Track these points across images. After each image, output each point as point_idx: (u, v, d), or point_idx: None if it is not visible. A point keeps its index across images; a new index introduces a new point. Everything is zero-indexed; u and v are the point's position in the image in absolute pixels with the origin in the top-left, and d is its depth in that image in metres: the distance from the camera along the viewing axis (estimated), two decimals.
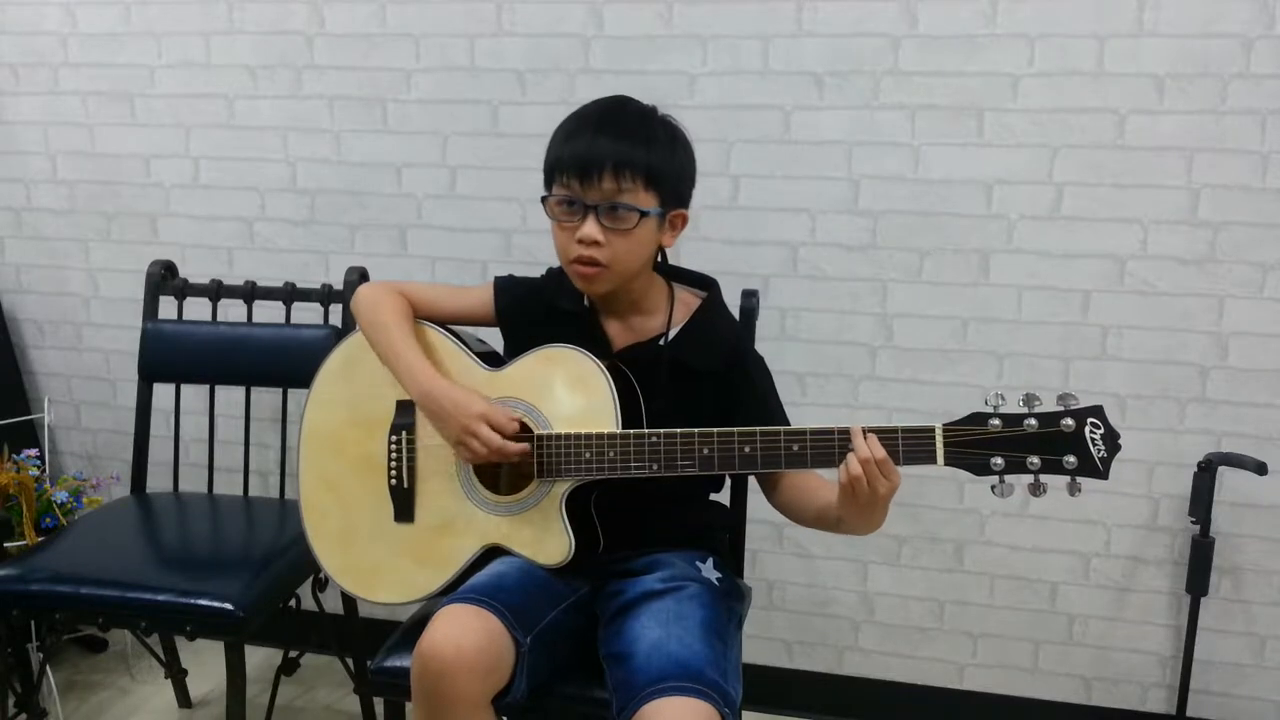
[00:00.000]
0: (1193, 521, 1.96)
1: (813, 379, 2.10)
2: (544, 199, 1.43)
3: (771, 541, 2.18)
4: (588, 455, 1.38)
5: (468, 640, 1.27)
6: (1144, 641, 2.08)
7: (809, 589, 2.20)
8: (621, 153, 1.36)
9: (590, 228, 1.37)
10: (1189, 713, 2.04)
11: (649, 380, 1.43)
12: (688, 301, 1.51)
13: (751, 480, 1.65)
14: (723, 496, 1.65)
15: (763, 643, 2.24)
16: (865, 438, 1.26)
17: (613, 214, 1.37)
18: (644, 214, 1.37)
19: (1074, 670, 2.12)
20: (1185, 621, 2.00)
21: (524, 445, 1.38)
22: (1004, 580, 2.11)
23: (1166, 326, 1.94)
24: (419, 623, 1.51)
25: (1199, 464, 1.92)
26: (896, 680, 2.20)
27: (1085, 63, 1.88)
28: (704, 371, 1.46)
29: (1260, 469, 1.84)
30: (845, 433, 1.29)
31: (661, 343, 1.46)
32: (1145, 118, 1.88)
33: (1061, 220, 1.95)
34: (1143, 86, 1.87)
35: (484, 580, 1.38)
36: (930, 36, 1.93)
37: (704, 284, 1.54)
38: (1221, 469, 1.92)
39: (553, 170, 1.42)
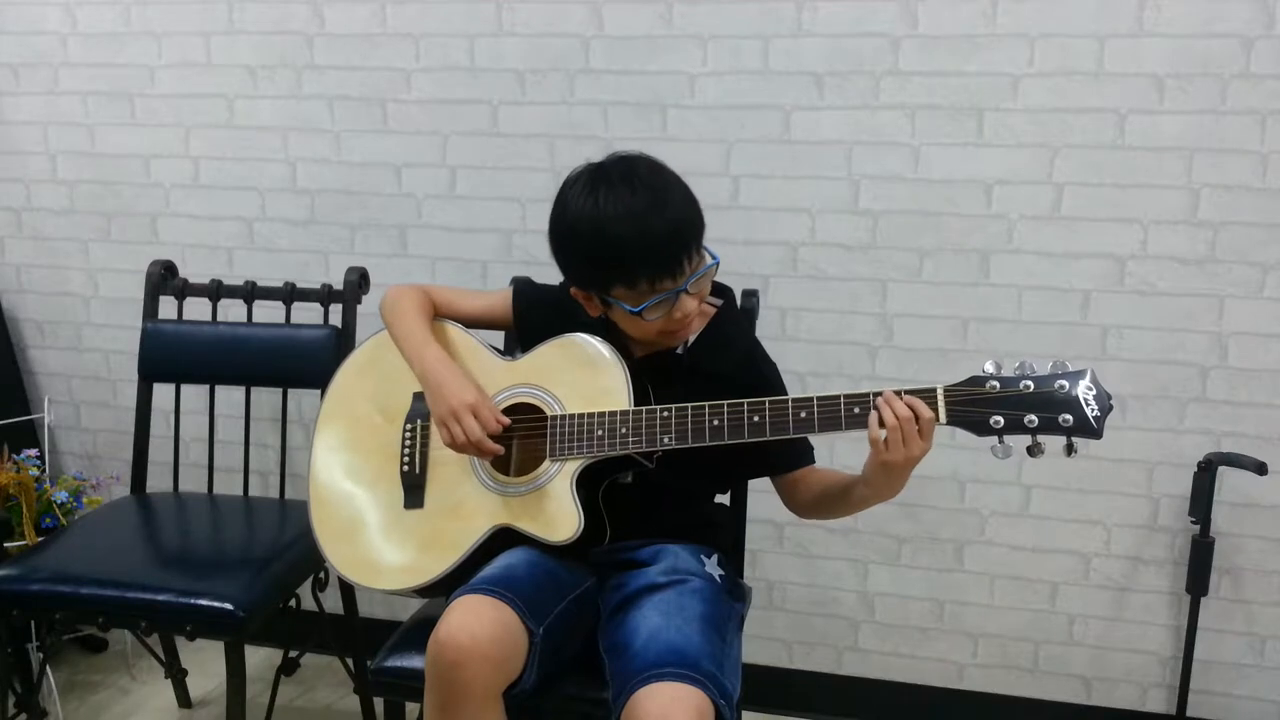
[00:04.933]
0: (1193, 521, 1.96)
1: (813, 379, 2.10)
2: (636, 310, 1.38)
3: (771, 541, 2.18)
4: (600, 432, 1.40)
5: (483, 630, 1.27)
6: (1144, 641, 2.08)
7: (809, 589, 2.20)
8: (681, 234, 1.36)
9: (689, 304, 1.40)
10: (1189, 713, 2.04)
11: (666, 387, 1.45)
12: (704, 310, 1.52)
13: (752, 481, 1.65)
14: (723, 496, 1.66)
15: (763, 643, 2.23)
16: (901, 396, 1.29)
17: (698, 283, 1.41)
18: (711, 266, 1.41)
19: (1074, 670, 2.12)
20: (1185, 621, 2.00)
21: (500, 447, 1.41)
22: (1004, 580, 2.11)
23: (1166, 326, 1.94)
24: (420, 622, 1.52)
25: (1199, 464, 1.92)
26: (896, 680, 2.20)
27: (1085, 63, 1.88)
28: (720, 376, 1.47)
29: (1260, 469, 1.84)
30: (852, 398, 1.32)
31: (680, 351, 1.49)
32: (1145, 118, 1.88)
33: (1061, 220, 1.95)
34: (1143, 86, 1.87)
35: (495, 572, 1.39)
36: (930, 36, 1.93)
37: (720, 292, 1.56)
38: (1221, 469, 1.92)
39: (627, 273, 1.36)
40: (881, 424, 1.28)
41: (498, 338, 1.64)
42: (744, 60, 2.00)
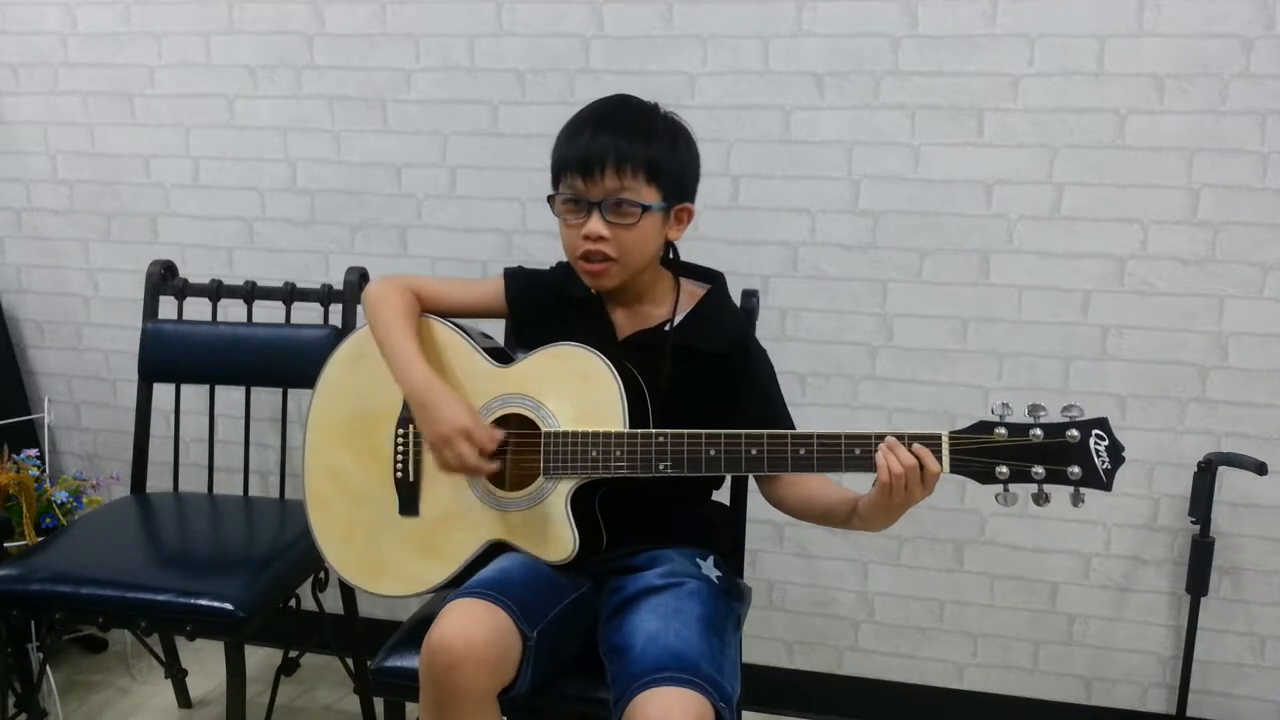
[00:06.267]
0: (1193, 521, 1.96)
1: (813, 379, 2.10)
2: (550, 198, 1.46)
3: (771, 541, 2.18)
4: (594, 454, 1.38)
5: (477, 633, 1.27)
6: (1144, 641, 2.08)
7: (809, 589, 2.20)
8: (622, 149, 1.39)
9: (595, 224, 1.40)
10: (1189, 713, 2.04)
11: (653, 366, 1.44)
12: (693, 293, 1.53)
13: (751, 481, 1.65)
14: (723, 495, 1.65)
15: (763, 643, 2.24)
16: (910, 446, 1.26)
17: (616, 210, 1.40)
18: (646, 208, 1.40)
19: (1074, 670, 2.12)
20: (1185, 621, 2.00)
21: (495, 465, 1.39)
22: (1004, 580, 2.11)
23: (1166, 326, 1.94)
24: (420, 622, 1.51)
25: (1199, 464, 1.92)
26: (896, 680, 2.20)
27: (1085, 63, 1.88)
28: (708, 355, 1.47)
29: (1260, 469, 1.84)
30: (854, 438, 1.30)
31: (667, 329, 1.48)
32: (1145, 118, 1.88)
33: (1061, 220, 1.95)
34: (1143, 86, 1.87)
35: (490, 575, 1.39)
36: (930, 36, 1.93)
37: (710, 277, 1.57)
38: (1221, 469, 1.91)
39: (557, 170, 1.45)
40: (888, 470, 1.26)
41: (487, 326, 1.63)
42: (744, 60, 2.00)
